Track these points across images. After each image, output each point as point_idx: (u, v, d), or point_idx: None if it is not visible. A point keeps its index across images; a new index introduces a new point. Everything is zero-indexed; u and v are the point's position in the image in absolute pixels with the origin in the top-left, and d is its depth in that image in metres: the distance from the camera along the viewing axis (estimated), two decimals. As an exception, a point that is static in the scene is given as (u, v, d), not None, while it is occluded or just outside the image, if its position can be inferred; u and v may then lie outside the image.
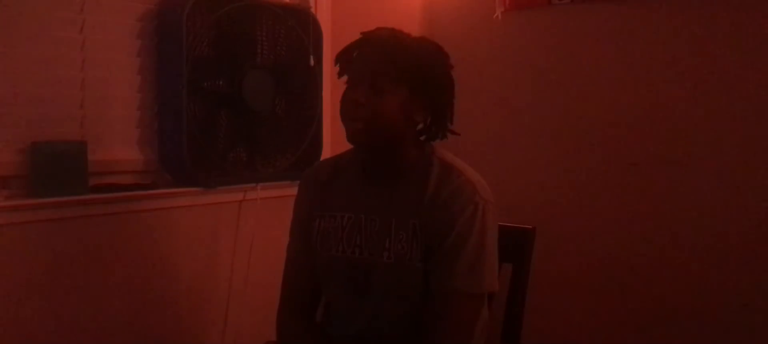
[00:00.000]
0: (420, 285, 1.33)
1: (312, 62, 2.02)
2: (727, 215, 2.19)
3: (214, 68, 1.83)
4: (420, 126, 1.39)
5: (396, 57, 1.31)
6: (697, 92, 2.23)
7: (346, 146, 1.40)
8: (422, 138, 1.40)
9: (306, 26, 2.03)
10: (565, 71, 2.47)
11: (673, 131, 2.27)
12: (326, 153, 2.12)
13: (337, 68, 1.39)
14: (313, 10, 2.16)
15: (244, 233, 2.01)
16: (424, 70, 1.33)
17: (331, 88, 2.16)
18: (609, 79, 2.38)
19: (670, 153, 2.28)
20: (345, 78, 1.36)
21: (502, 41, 2.58)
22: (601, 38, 2.39)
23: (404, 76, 1.31)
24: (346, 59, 1.37)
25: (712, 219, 2.21)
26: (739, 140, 2.16)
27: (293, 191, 1.52)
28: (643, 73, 2.32)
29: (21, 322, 1.54)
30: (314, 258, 1.44)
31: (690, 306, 2.25)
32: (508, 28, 2.56)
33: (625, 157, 2.36)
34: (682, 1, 2.24)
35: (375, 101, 1.30)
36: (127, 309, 1.75)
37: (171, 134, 1.79)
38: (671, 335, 2.29)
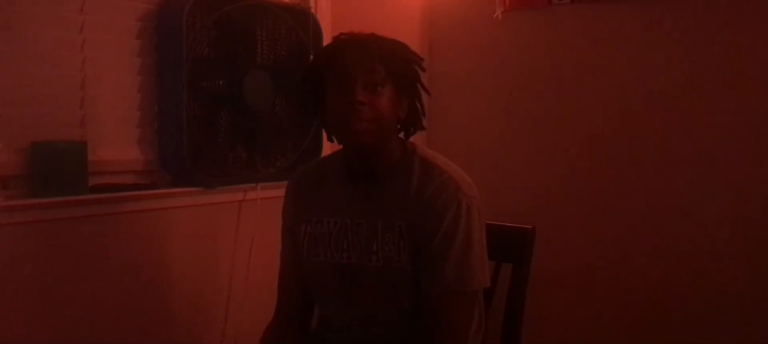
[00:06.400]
0: (410, 286, 1.33)
1: (312, 62, 2.02)
2: (727, 214, 2.19)
3: (214, 68, 1.83)
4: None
5: (381, 56, 1.32)
6: (696, 92, 2.23)
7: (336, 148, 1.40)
8: (401, 134, 1.41)
9: (306, 26, 2.03)
10: (565, 71, 2.47)
11: (672, 131, 2.27)
12: (326, 153, 2.12)
13: (311, 73, 1.39)
14: (313, 10, 2.16)
15: (244, 233, 2.00)
16: (404, 67, 1.36)
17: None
18: (609, 78, 2.38)
19: (670, 153, 2.29)
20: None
21: (502, 41, 2.58)
22: (600, 38, 2.39)
23: (390, 74, 1.32)
24: (326, 65, 1.35)
25: (712, 219, 2.21)
26: (739, 139, 2.17)
27: (293, 191, 1.52)
28: (642, 73, 2.32)
29: (21, 322, 1.54)
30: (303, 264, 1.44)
31: (690, 305, 2.25)
32: (508, 28, 2.55)
33: (625, 157, 2.36)
34: (682, 0, 2.24)
35: (373, 99, 1.30)
36: (127, 309, 1.75)
37: (171, 134, 1.79)
38: (671, 335, 2.28)
